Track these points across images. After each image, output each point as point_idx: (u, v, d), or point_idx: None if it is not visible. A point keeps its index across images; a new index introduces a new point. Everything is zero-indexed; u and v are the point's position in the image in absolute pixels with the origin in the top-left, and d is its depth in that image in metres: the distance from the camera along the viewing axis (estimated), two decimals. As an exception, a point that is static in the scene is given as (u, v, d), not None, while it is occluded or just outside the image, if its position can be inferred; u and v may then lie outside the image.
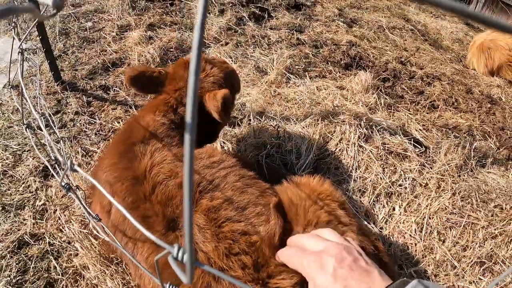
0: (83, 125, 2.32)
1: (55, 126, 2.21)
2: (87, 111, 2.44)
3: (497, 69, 3.84)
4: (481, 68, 3.88)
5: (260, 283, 1.03)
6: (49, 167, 0.99)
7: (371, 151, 2.12)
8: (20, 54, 1.05)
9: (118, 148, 1.36)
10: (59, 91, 2.56)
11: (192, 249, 0.38)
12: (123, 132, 1.48)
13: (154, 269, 1.13)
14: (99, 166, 1.45)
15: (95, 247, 1.65)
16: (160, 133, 1.41)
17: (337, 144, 2.12)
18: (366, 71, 2.99)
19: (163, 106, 1.49)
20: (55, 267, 1.58)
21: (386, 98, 2.79)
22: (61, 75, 2.66)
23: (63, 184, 1.16)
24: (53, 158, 1.15)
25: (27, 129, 1.03)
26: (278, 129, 2.15)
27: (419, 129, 2.54)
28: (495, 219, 2.04)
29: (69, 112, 2.40)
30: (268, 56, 3.08)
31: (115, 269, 1.58)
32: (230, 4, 3.83)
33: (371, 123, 2.24)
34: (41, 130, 2.17)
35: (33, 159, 2.06)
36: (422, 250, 1.85)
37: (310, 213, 1.19)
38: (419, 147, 2.28)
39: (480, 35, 4.10)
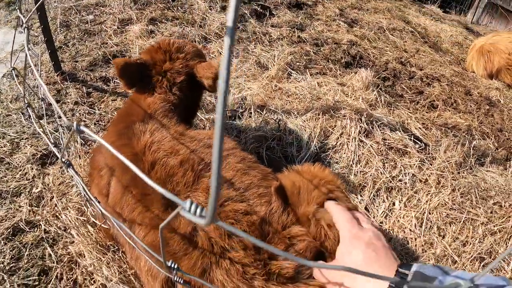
0: (83, 115, 2.30)
1: (57, 111, 2.19)
2: (86, 101, 2.42)
3: (496, 72, 3.86)
4: (480, 71, 3.90)
5: (261, 264, 1.02)
6: (49, 142, 0.97)
7: (371, 146, 2.12)
8: (26, 29, 1.04)
9: (118, 127, 1.35)
10: (59, 82, 2.55)
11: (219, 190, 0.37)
12: (122, 113, 1.47)
13: (153, 247, 1.11)
14: (99, 146, 1.44)
15: (92, 234, 1.62)
16: (159, 113, 1.40)
17: (338, 138, 2.11)
18: (367, 69, 3.00)
19: (159, 88, 1.49)
20: (50, 255, 1.54)
21: (386, 97, 2.79)
22: (62, 66, 2.65)
23: (63, 160, 1.15)
24: (52, 141, 1.14)
25: (27, 108, 1.01)
26: (279, 122, 2.15)
27: (419, 127, 2.54)
28: (495, 216, 2.03)
29: (68, 102, 2.39)
30: (269, 52, 3.08)
31: (111, 257, 1.55)
32: (232, 1, 3.83)
33: (371, 119, 2.24)
34: (41, 117, 2.16)
35: (31, 146, 2.04)
36: (422, 245, 1.84)
37: (313, 196, 1.18)
38: (419, 143, 2.28)
39: (480, 39, 4.14)
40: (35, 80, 2.54)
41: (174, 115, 1.45)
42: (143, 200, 1.14)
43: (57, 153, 1.08)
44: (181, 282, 0.92)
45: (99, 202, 1.29)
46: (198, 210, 0.46)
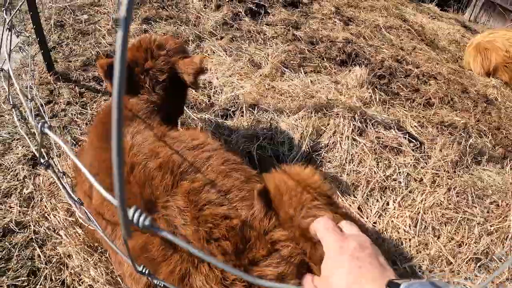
0: (75, 115, 2.29)
1: (45, 113, 2.16)
2: (79, 101, 2.41)
3: (493, 70, 3.82)
4: (477, 68, 3.86)
5: (242, 270, 0.98)
6: (30, 143, 0.93)
7: (365, 145, 2.08)
8: (8, 30, 1.00)
9: (98, 130, 1.32)
10: (52, 82, 2.53)
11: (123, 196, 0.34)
12: (103, 115, 1.43)
13: (132, 252, 1.07)
14: (82, 149, 1.41)
15: (80, 235, 1.60)
16: (142, 114, 1.36)
17: (331, 137, 2.07)
18: (362, 67, 2.96)
19: (141, 88, 1.45)
20: (39, 256, 1.53)
21: (381, 95, 2.75)
22: (55, 66, 2.63)
23: (42, 161, 1.11)
24: (36, 143, 1.10)
25: (13, 109, 0.98)
26: (271, 121, 2.11)
27: (414, 126, 2.50)
28: (491, 216, 2.00)
29: (60, 102, 2.37)
30: (263, 51, 3.04)
31: (98, 258, 1.53)
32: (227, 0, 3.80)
33: (365, 117, 2.20)
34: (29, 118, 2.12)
35: (22, 147, 2.02)
36: (417, 246, 1.80)
37: (295, 203, 1.13)
38: (414, 141, 2.24)
39: (477, 36, 4.09)
40: (27, 81, 2.52)
41: (158, 116, 1.41)
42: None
43: (36, 153, 1.05)
44: (162, 286, 0.88)
45: (82, 204, 1.26)
46: (141, 219, 0.43)
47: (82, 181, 1.41)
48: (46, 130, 0.67)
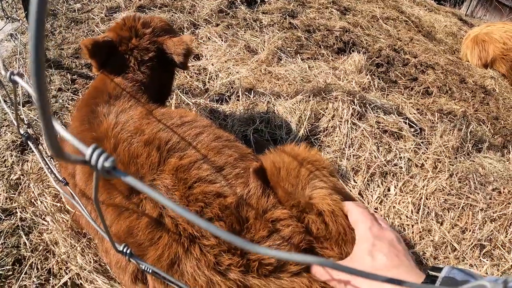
0: (66, 101, 2.20)
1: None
2: (70, 88, 2.32)
3: (491, 62, 3.79)
4: (474, 60, 3.83)
5: (238, 253, 0.88)
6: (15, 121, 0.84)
7: (364, 129, 2.01)
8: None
9: (81, 112, 1.23)
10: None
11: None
12: (87, 96, 1.34)
13: (117, 238, 0.98)
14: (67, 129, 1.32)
15: (67, 221, 1.51)
16: (127, 93, 1.28)
17: (329, 120, 2.00)
18: (360, 54, 2.89)
19: (126, 67, 1.37)
20: (25, 243, 1.44)
21: (379, 82, 2.69)
22: (46, 53, 2.54)
23: (22, 132, 1.02)
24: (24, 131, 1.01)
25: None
26: (268, 104, 2.03)
27: (413, 113, 2.44)
28: (494, 202, 1.94)
29: (52, 89, 2.28)
30: (259, 38, 2.96)
31: (86, 244, 1.43)
32: (222, -13, 3.70)
33: (364, 101, 2.12)
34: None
35: (11, 134, 1.92)
36: (420, 232, 1.74)
37: (293, 176, 1.05)
38: (415, 127, 2.17)
39: (475, 29, 4.07)
40: (18, 68, 2.43)
41: (144, 95, 1.33)
42: (105, 186, 1.02)
43: (15, 123, 0.95)
44: (150, 271, 0.80)
45: (67, 184, 1.16)
46: (101, 159, 0.34)
47: (64, 165, 1.33)
48: (16, 78, 0.58)
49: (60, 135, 0.42)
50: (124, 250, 0.75)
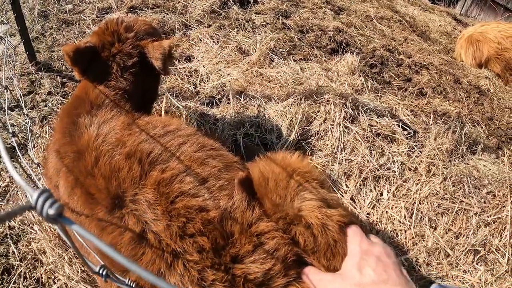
0: (55, 105, 2.16)
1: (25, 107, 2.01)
2: (60, 91, 2.28)
3: (485, 62, 3.77)
4: (469, 60, 3.81)
5: (222, 269, 0.86)
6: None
7: (357, 133, 1.97)
8: None
9: (63, 123, 1.19)
10: (33, 72, 2.39)
11: None
12: (68, 106, 1.30)
13: (101, 252, 0.94)
14: (49, 143, 1.28)
15: (54, 230, 1.48)
16: (109, 102, 1.24)
17: (321, 124, 1.96)
18: (353, 55, 2.85)
19: (108, 74, 1.31)
20: (13, 252, 1.43)
21: (373, 83, 2.66)
22: (37, 56, 2.48)
23: (9, 129, 0.98)
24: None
25: None
26: (258, 108, 1.99)
27: (407, 114, 2.41)
28: (488, 206, 1.91)
29: (41, 93, 2.24)
30: (251, 38, 2.92)
31: (73, 253, 1.41)
32: (214, -13, 3.65)
33: (357, 104, 2.09)
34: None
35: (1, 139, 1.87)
36: (413, 237, 1.71)
37: (282, 188, 1.01)
38: (408, 129, 2.14)
39: (469, 28, 4.04)
40: (8, 71, 2.38)
41: (127, 104, 1.28)
42: (88, 201, 0.98)
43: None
44: (134, 287, 0.76)
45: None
46: (46, 206, 0.31)
47: (47, 167, 1.28)
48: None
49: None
50: (100, 272, 0.71)
